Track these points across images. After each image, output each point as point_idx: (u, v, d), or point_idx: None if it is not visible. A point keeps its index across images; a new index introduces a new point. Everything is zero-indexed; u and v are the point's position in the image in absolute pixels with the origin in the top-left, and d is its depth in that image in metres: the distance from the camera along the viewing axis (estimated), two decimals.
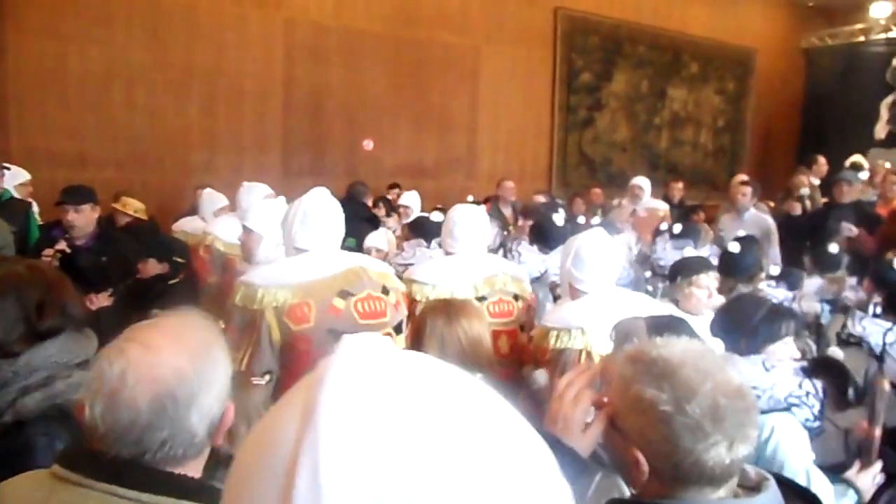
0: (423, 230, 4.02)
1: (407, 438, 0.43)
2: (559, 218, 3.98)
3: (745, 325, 2.17)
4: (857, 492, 1.82)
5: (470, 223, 2.75)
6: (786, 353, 2.12)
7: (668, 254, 4.58)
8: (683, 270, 2.94)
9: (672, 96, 10.60)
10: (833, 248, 4.17)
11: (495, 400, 0.50)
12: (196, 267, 3.40)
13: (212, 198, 4.73)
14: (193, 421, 1.01)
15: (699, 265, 2.98)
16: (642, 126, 10.34)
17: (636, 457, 1.04)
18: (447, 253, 2.80)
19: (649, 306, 2.32)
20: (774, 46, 11.30)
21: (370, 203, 6.10)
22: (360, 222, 4.62)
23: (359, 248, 4.12)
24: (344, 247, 2.33)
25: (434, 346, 1.96)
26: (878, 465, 1.88)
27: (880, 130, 10.23)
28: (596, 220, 5.12)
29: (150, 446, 0.99)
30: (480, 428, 0.46)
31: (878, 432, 1.86)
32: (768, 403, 2.02)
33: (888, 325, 2.94)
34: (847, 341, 3.01)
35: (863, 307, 3.25)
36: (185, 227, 4.63)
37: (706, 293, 2.87)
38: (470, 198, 5.91)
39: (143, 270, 3.18)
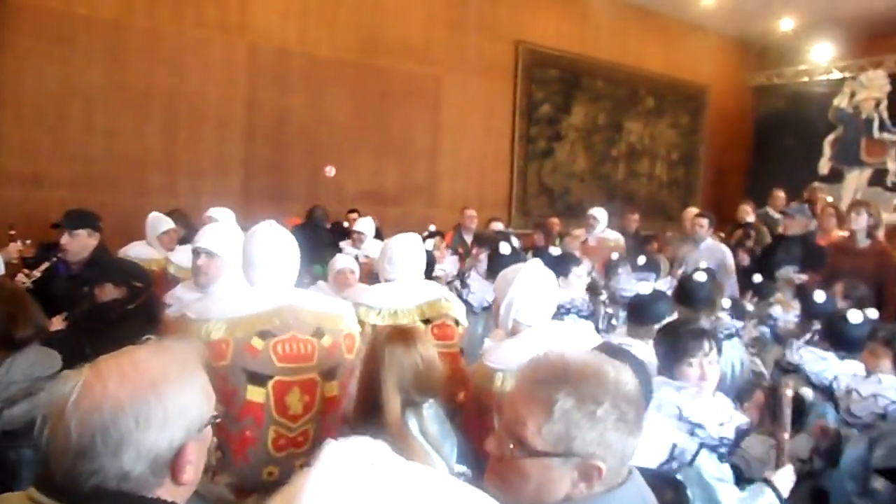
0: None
1: None
2: (504, 247, 4.00)
3: (665, 348, 2.28)
4: (775, 490, 1.95)
5: (408, 251, 2.81)
6: (694, 374, 2.17)
7: (632, 285, 4.68)
8: (657, 314, 2.95)
9: (628, 129, 10.90)
10: (758, 278, 4.58)
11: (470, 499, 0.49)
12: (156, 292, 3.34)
13: (156, 222, 4.53)
14: (125, 459, 0.99)
15: (667, 308, 3.03)
16: (600, 157, 10.60)
17: (597, 465, 1.03)
18: (385, 279, 2.82)
19: (592, 340, 2.38)
20: (725, 84, 11.75)
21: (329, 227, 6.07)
22: (323, 248, 4.59)
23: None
24: (311, 273, 2.33)
25: (394, 371, 1.97)
26: (790, 466, 2.02)
27: (823, 166, 10.70)
28: (556, 249, 5.20)
29: (80, 474, 0.98)
30: None
31: (786, 436, 2.03)
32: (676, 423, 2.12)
33: (825, 354, 3.09)
34: (786, 369, 3.15)
35: (795, 336, 3.40)
36: (130, 252, 4.43)
37: None
38: (432, 227, 5.99)
39: (100, 295, 3.12)
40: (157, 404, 1.02)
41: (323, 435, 2.02)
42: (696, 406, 2.07)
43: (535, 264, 2.48)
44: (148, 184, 6.92)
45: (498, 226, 6.83)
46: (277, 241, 2.18)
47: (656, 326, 2.81)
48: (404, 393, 1.97)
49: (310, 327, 2.12)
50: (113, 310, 2.87)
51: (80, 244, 3.43)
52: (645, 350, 2.61)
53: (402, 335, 2.10)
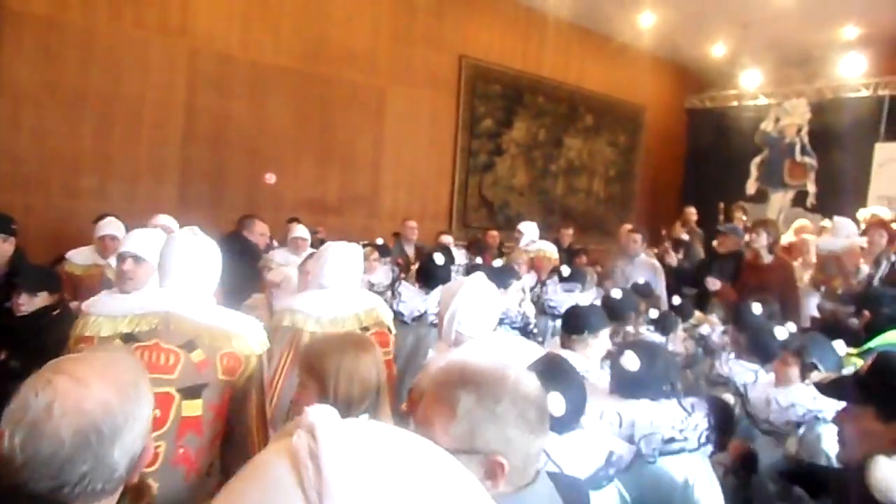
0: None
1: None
2: (438, 257, 4.05)
3: (653, 374, 2.31)
4: None
5: (347, 259, 2.81)
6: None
7: (559, 296, 4.81)
8: (590, 325, 2.97)
9: (568, 145, 11.16)
10: (677, 300, 4.86)
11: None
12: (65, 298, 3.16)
13: (97, 227, 4.35)
14: (116, 456, 1.01)
15: (601, 320, 3.09)
16: (539, 172, 10.81)
17: (500, 462, 1.09)
18: (321, 286, 2.78)
19: (534, 351, 2.44)
20: (661, 105, 12.18)
21: (254, 237, 5.47)
22: (233, 257, 4.34)
23: (236, 286, 3.95)
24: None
25: (343, 380, 1.88)
26: None
27: (750, 186, 11.22)
28: (497, 262, 5.26)
29: (70, 479, 0.98)
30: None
31: None
32: (660, 443, 2.18)
33: (753, 367, 3.23)
34: (715, 381, 3.27)
35: (724, 350, 3.55)
36: (69, 255, 4.27)
37: (606, 344, 3.04)
38: (379, 240, 5.99)
39: (21, 304, 2.98)
40: (137, 403, 1.06)
41: (176, 455, 1.89)
42: (674, 419, 2.16)
43: (478, 277, 2.55)
44: (79, 187, 6.68)
45: (447, 239, 6.82)
46: (191, 250, 2.05)
47: (590, 339, 2.90)
48: (362, 399, 1.91)
49: (181, 338, 1.95)
50: (38, 320, 2.76)
51: None
52: (578, 360, 2.68)
53: (350, 341, 2.04)
